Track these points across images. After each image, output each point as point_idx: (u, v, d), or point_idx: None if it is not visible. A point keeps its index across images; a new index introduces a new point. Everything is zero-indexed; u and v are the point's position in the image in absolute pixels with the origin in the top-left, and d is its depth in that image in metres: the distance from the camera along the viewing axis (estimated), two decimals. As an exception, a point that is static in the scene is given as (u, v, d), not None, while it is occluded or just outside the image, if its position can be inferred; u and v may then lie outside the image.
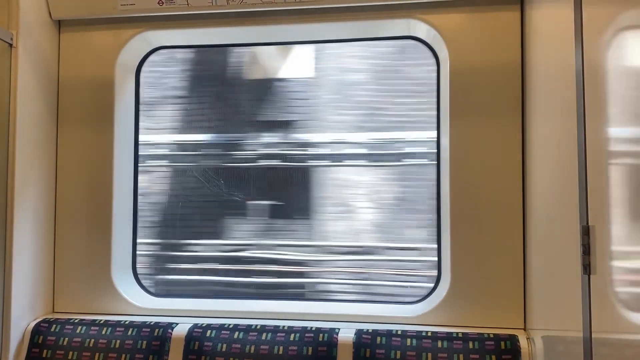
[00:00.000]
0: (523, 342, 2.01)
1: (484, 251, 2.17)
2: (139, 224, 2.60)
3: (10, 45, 2.21)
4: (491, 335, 2.05)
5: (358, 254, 2.62)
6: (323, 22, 2.32)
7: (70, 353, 2.20)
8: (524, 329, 2.13)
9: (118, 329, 2.24)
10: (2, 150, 2.20)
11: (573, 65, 1.37)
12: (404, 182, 2.61)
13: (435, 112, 2.37)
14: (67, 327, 2.26)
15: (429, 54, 2.40)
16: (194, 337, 2.18)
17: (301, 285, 2.64)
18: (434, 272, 2.37)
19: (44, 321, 2.29)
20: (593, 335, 1.25)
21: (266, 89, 2.72)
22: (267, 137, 2.66)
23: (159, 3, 2.29)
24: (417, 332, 2.10)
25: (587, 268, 1.27)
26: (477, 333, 2.07)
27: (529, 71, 2.08)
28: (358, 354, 2.06)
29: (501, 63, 2.18)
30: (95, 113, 2.44)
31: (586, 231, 1.28)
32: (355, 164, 2.63)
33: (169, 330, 2.21)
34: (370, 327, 2.16)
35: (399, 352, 2.04)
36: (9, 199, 2.20)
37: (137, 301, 2.41)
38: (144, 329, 2.22)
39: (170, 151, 2.76)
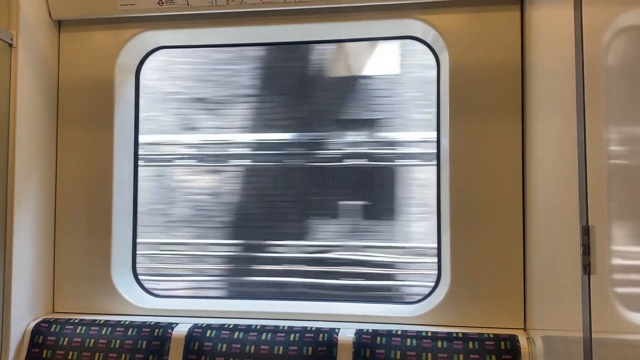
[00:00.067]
0: (523, 342, 2.01)
1: (484, 251, 2.17)
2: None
3: (10, 45, 2.21)
4: (491, 335, 2.05)
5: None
6: (323, 22, 2.32)
7: (70, 353, 2.20)
8: (524, 329, 2.13)
9: (118, 329, 2.24)
10: (2, 150, 2.20)
11: (573, 65, 1.37)
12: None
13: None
14: (67, 327, 2.26)
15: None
16: (194, 337, 2.18)
17: (387, 288, 2.62)
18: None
19: (44, 321, 2.29)
20: (593, 335, 1.25)
21: (350, 86, 2.69)
22: (351, 136, 2.63)
23: (159, 3, 2.29)
24: (417, 332, 2.10)
25: (587, 268, 1.27)
26: (477, 333, 2.07)
27: (529, 71, 2.08)
28: (358, 354, 2.06)
29: (501, 63, 2.18)
30: (95, 113, 2.44)
31: (586, 231, 1.28)
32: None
33: (169, 331, 2.21)
34: (370, 327, 2.16)
35: (399, 352, 2.04)
36: (9, 198, 2.20)
37: (137, 301, 2.41)
38: (144, 329, 2.22)
39: (252, 150, 2.72)
